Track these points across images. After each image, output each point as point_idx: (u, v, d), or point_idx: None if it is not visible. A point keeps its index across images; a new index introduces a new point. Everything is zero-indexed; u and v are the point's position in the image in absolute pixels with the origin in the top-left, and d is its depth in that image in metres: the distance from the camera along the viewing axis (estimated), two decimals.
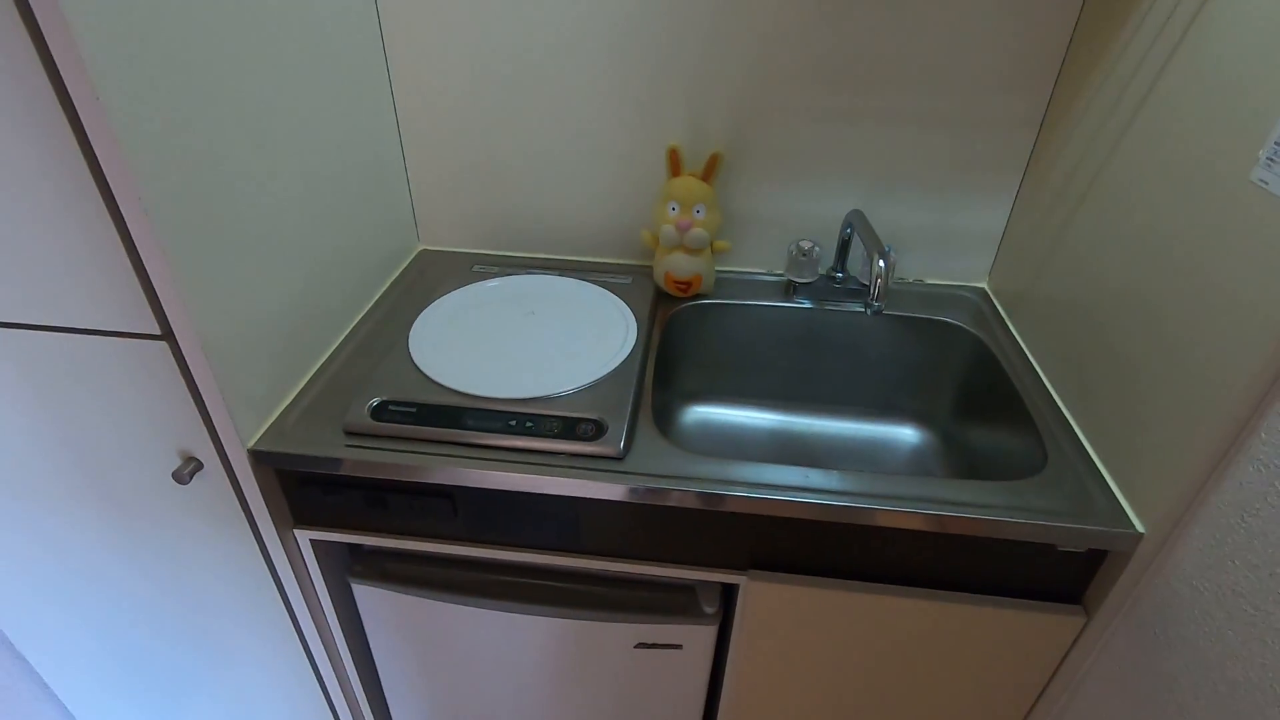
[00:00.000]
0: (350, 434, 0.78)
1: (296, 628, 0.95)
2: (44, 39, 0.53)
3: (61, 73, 0.54)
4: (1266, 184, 0.56)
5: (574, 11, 0.92)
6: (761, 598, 0.81)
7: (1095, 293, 0.78)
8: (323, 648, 0.96)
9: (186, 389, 0.71)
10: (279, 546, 0.85)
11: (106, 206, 0.60)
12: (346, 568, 0.92)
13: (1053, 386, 0.86)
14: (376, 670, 1.03)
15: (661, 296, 1.04)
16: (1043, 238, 0.92)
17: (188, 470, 0.76)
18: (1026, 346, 0.94)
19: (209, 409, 0.73)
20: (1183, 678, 0.63)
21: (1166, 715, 0.65)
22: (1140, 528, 0.67)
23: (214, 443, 0.76)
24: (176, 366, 0.70)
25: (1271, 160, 0.55)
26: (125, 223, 0.61)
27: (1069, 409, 0.82)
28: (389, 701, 1.06)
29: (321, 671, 1.00)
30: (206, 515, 0.82)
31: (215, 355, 0.69)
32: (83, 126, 0.57)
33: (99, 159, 0.58)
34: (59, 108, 0.56)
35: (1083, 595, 0.76)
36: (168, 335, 0.68)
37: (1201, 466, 0.61)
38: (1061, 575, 0.75)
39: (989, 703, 0.86)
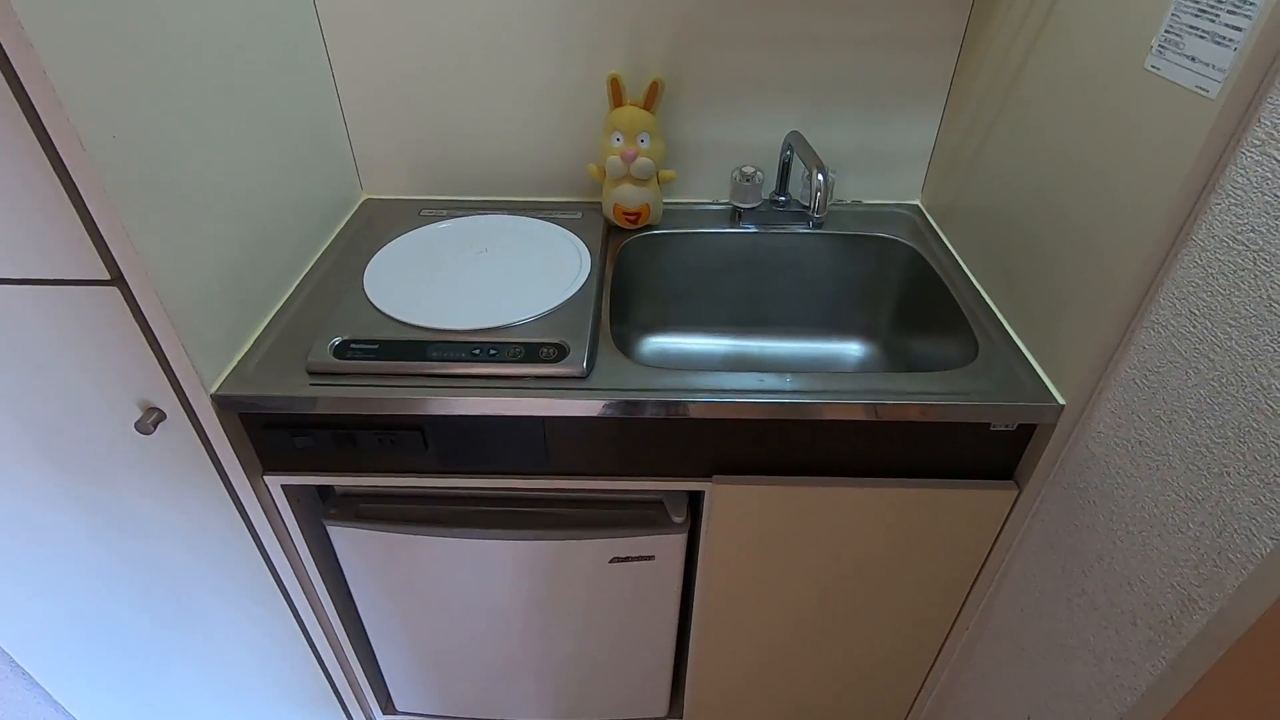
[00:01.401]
0: (314, 374, 0.79)
1: (275, 575, 0.96)
2: None
3: None
4: (1159, 70, 0.61)
5: None
6: (726, 501, 0.86)
7: (1012, 197, 0.84)
8: (303, 594, 0.98)
9: (142, 335, 0.71)
10: (251, 494, 0.85)
11: (42, 146, 0.59)
12: (320, 511, 0.93)
13: (982, 287, 0.92)
14: (358, 611, 1.05)
15: (612, 229, 1.06)
16: (967, 150, 0.97)
17: (151, 420, 0.76)
18: (958, 253, 1.00)
19: (167, 355, 0.72)
20: (1100, 527, 0.71)
21: (1088, 563, 0.73)
22: (1061, 400, 0.74)
23: (175, 390, 0.75)
24: (130, 312, 0.69)
25: (1163, 48, 0.61)
26: (64, 163, 0.60)
27: (997, 304, 0.89)
28: (372, 641, 1.09)
29: (303, 617, 1.02)
30: (173, 466, 0.82)
31: (169, 298, 0.69)
32: (12, 65, 0.55)
33: (30, 95, 0.56)
34: None
35: (1014, 470, 0.84)
36: (118, 280, 0.67)
37: (1110, 338, 0.68)
38: (995, 454, 0.82)
39: (937, 579, 0.94)
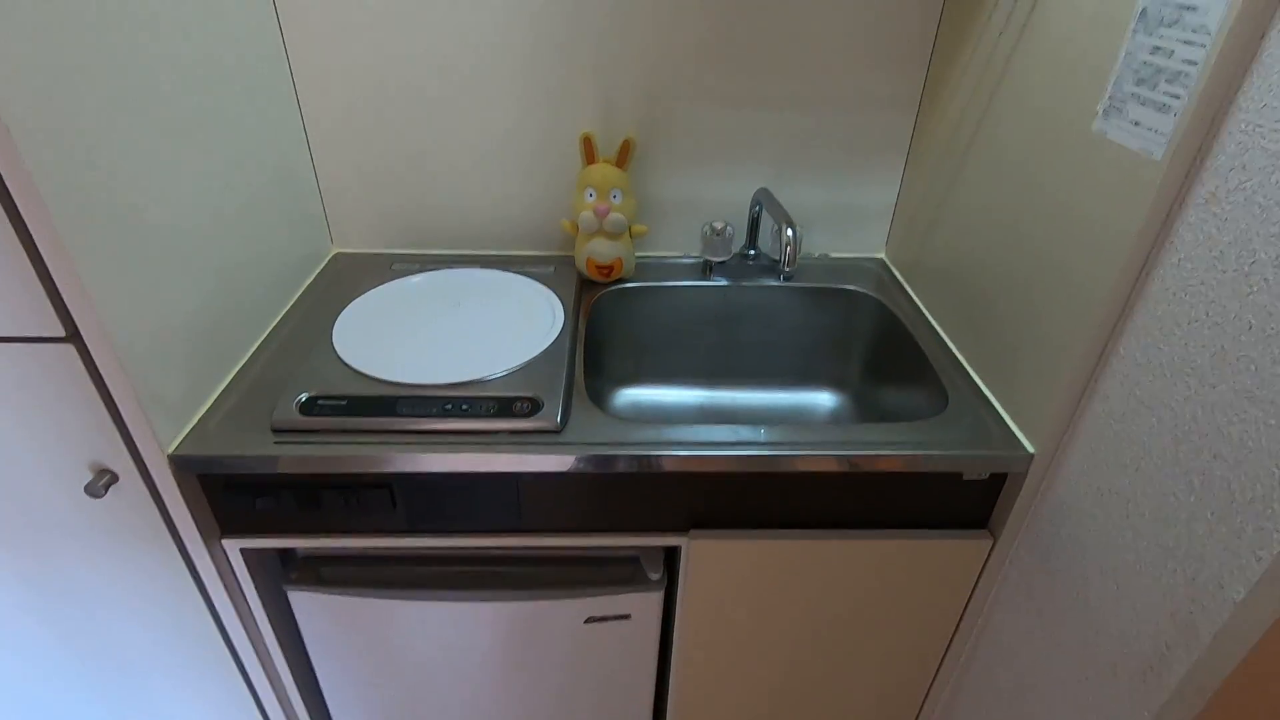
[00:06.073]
0: (279, 432, 0.76)
1: (230, 647, 0.91)
2: None
3: None
4: (1106, 133, 0.65)
5: (480, 3, 0.94)
6: (703, 556, 0.85)
7: (974, 251, 0.87)
8: (259, 665, 0.93)
9: (97, 394, 0.68)
10: (207, 560, 0.81)
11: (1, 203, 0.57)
12: (280, 576, 0.89)
13: (949, 338, 0.95)
14: (318, 682, 0.99)
15: (585, 282, 1.06)
16: (928, 208, 1.00)
17: (102, 483, 0.72)
18: (924, 306, 1.02)
19: (123, 415, 0.70)
20: (1075, 575, 0.71)
21: (1064, 612, 0.73)
22: (1030, 448, 0.76)
23: (130, 451, 0.72)
24: (85, 370, 0.66)
25: (1107, 112, 0.64)
26: (21, 215, 0.58)
27: (964, 355, 0.91)
28: (333, 713, 1.03)
29: (258, 691, 0.96)
30: (123, 532, 0.78)
31: (127, 355, 0.66)
32: None
33: None
34: None
35: (989, 520, 0.84)
36: (73, 337, 0.65)
37: (1074, 388, 0.70)
38: (969, 504, 0.83)
39: (917, 630, 0.93)
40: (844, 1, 0.95)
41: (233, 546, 0.82)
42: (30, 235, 0.59)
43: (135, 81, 0.67)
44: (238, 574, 0.85)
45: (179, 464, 0.73)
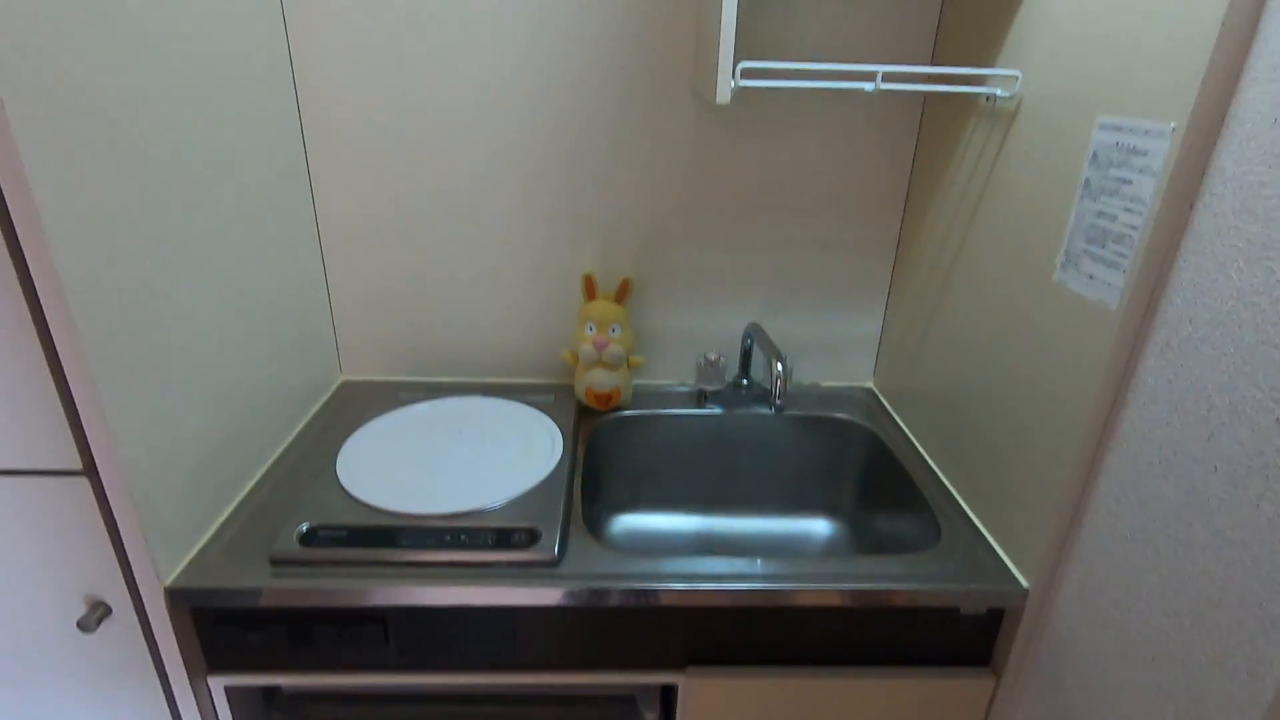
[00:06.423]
0: (277, 563, 0.76)
1: None
2: None
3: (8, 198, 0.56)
4: (1065, 283, 0.70)
5: (492, 153, 1.03)
6: (700, 695, 0.82)
7: (954, 385, 0.91)
8: None
9: (103, 526, 0.69)
10: (189, 698, 0.79)
11: (39, 336, 0.61)
12: (263, 717, 0.86)
13: (938, 467, 0.97)
14: None
15: (584, 411, 1.10)
16: (910, 341, 1.06)
17: (95, 617, 0.72)
18: (912, 434, 1.05)
19: (126, 547, 0.70)
20: (1080, 714, 0.70)
21: None
22: (1025, 583, 0.76)
23: (127, 584, 0.72)
24: (95, 503, 0.68)
25: (1065, 265, 0.70)
26: (56, 350, 0.61)
27: (953, 485, 0.92)
28: None
29: None
30: (109, 668, 0.77)
31: (137, 487, 0.68)
32: (24, 257, 0.58)
33: (36, 287, 0.59)
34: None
35: (990, 657, 0.83)
36: (89, 470, 0.67)
37: (1061, 522, 0.71)
38: (969, 640, 0.82)
39: None
40: (822, 164, 1.05)
41: (218, 684, 0.80)
42: (62, 369, 0.62)
43: (174, 225, 0.74)
44: (219, 714, 0.82)
45: (175, 597, 0.73)
